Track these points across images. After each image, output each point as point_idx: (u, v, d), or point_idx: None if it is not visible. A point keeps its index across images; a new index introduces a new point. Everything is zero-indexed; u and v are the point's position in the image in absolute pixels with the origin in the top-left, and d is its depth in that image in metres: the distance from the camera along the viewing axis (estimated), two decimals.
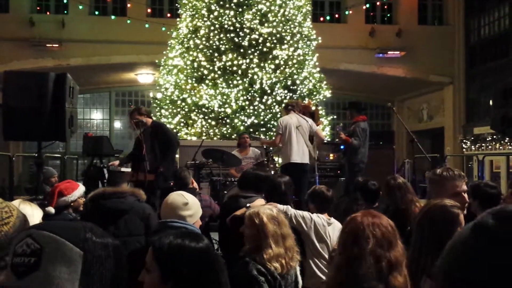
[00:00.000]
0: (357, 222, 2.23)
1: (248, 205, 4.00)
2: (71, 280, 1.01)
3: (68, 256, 1.02)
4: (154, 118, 7.51)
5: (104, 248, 1.09)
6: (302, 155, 7.33)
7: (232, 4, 11.30)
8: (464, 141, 15.57)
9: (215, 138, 10.60)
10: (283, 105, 8.71)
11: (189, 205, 3.14)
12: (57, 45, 14.53)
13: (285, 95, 11.11)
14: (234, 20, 11.20)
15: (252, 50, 11.17)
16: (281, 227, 3.09)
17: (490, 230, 0.72)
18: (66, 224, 1.11)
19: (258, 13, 11.31)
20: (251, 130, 10.39)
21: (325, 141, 9.21)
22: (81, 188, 4.23)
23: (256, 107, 10.85)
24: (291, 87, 11.26)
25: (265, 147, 8.35)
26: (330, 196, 4.27)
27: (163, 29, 13.44)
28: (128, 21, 14.60)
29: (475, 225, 0.75)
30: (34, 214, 2.67)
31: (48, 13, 15.73)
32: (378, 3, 16.72)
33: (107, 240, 1.11)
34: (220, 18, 11.25)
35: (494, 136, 13.79)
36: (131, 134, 7.00)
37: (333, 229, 4.07)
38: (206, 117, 10.88)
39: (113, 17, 15.33)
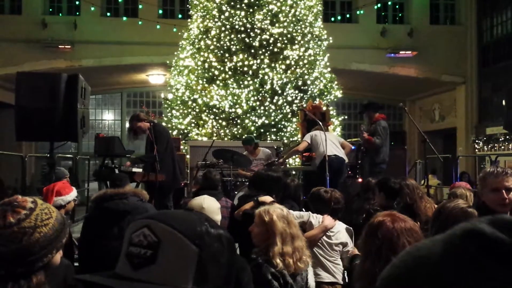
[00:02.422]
0: (389, 228, 2.20)
1: (256, 198, 4.03)
2: (186, 277, 0.97)
3: (184, 253, 0.97)
4: (155, 120, 7.61)
5: (219, 240, 1.03)
6: (339, 151, 7.32)
7: (243, 5, 11.30)
8: (477, 141, 15.43)
9: (225, 139, 10.60)
10: (298, 110, 8.56)
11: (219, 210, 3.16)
12: (69, 47, 14.63)
13: (296, 95, 11.09)
14: (245, 21, 11.20)
15: (263, 50, 11.17)
16: (291, 226, 3.08)
17: (486, 237, 0.60)
18: (184, 216, 1.05)
19: (269, 13, 11.30)
20: (262, 130, 10.38)
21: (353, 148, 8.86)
22: (75, 192, 4.23)
23: (267, 108, 10.83)
24: (302, 88, 11.24)
25: (275, 146, 8.33)
26: (327, 198, 4.24)
27: (174, 30, 13.49)
28: (140, 22, 14.68)
29: (464, 231, 0.63)
30: None
31: (60, 14, 15.84)
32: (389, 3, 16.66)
33: (220, 231, 1.05)
34: (231, 19, 11.25)
35: (507, 137, 13.66)
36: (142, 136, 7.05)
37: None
38: (217, 118, 10.89)
39: (124, 18, 15.42)
